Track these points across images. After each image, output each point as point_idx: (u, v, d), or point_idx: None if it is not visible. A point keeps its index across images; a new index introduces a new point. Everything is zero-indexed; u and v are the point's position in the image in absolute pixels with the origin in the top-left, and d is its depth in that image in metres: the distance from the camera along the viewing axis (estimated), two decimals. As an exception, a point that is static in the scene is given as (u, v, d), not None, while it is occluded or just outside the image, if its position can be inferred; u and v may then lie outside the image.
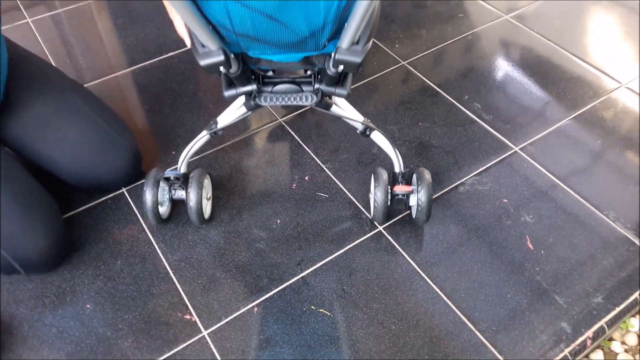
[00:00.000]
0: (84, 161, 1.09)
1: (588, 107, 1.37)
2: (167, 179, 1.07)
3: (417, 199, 1.03)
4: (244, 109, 1.03)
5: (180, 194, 1.07)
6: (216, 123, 1.07)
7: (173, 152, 1.27)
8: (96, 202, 1.17)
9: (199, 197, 1.03)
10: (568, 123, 1.33)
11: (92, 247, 1.09)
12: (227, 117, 1.06)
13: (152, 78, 1.46)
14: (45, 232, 1.00)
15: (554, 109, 1.36)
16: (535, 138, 1.29)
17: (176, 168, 1.10)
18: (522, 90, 1.41)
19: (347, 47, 0.79)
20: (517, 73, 1.46)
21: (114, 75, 1.47)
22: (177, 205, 1.15)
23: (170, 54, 1.52)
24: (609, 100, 1.38)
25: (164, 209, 1.09)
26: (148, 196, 1.03)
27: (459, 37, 1.58)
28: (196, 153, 1.23)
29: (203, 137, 1.08)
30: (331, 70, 0.86)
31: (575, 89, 1.41)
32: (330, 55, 0.85)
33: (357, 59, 0.80)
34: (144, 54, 1.53)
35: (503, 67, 1.48)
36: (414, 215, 1.08)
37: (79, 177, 1.11)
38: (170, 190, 1.07)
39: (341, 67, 0.83)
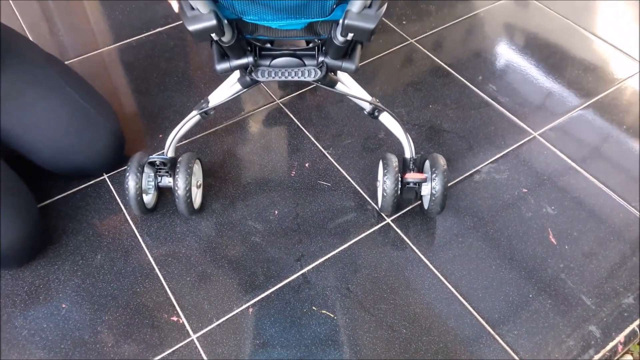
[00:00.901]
0: (59, 142, 0.98)
1: (611, 89, 1.26)
2: (152, 164, 0.97)
3: (431, 187, 0.93)
4: (238, 86, 0.92)
5: (167, 180, 0.96)
6: (207, 102, 0.96)
7: (160, 136, 1.16)
8: (75, 189, 1.07)
9: (188, 185, 0.93)
10: (590, 107, 1.23)
11: (70, 240, 0.99)
12: (220, 94, 0.95)
13: (139, 55, 1.35)
14: (17, 223, 0.90)
15: (575, 92, 1.26)
16: (555, 123, 1.19)
17: (163, 152, 0.99)
18: (539, 71, 1.31)
19: (359, 10, 0.69)
20: (534, 53, 1.36)
21: (97, 52, 1.36)
22: (164, 194, 1.05)
23: (158, 30, 1.42)
24: (633, 83, 1.28)
25: (148, 198, 0.99)
26: (131, 183, 0.92)
27: (471, 14, 1.47)
28: (185, 136, 1.12)
29: (193, 117, 0.97)
30: (338, 40, 0.76)
31: (596, 71, 1.31)
32: (338, 23, 0.75)
33: (370, 25, 0.70)
34: (130, 30, 1.42)
35: (519, 47, 1.38)
36: (426, 206, 0.97)
37: (54, 160, 1.00)
38: (155, 177, 0.97)
39: (351, 35, 0.72)
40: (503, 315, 0.90)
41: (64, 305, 0.91)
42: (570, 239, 0.99)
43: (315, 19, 0.75)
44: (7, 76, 0.95)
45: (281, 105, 1.24)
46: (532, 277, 0.94)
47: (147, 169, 0.96)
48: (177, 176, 0.92)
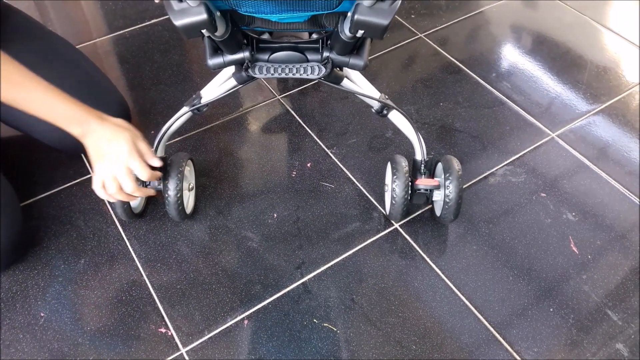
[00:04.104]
0: None
1: (633, 88, 1.19)
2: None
3: (444, 194, 0.85)
4: (233, 82, 0.84)
5: (155, 184, 0.88)
6: (200, 97, 0.89)
7: (152, 132, 1.09)
8: (60, 187, 1.00)
9: (179, 188, 0.85)
10: (613, 106, 1.15)
11: (52, 242, 0.92)
12: (213, 90, 0.88)
13: (132, 47, 1.28)
14: (1, 225, 0.82)
15: (596, 90, 1.18)
16: (575, 123, 1.12)
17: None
18: (556, 69, 1.23)
19: (371, 4, 0.61)
20: (550, 49, 1.28)
21: (89, 42, 1.30)
22: (154, 196, 0.97)
23: (153, 21, 1.35)
24: (657, 82, 1.21)
25: (136, 202, 0.92)
26: (116, 184, 0.85)
27: (483, 9, 1.39)
28: (178, 132, 1.05)
29: (184, 114, 0.89)
30: (346, 35, 0.69)
31: (616, 69, 1.23)
32: (345, 15, 0.67)
33: (384, 21, 0.62)
34: (123, 20, 1.35)
35: (534, 43, 1.30)
36: (438, 213, 0.90)
37: (56, 132, 0.92)
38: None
39: (361, 32, 0.65)
40: (522, 331, 0.82)
41: (42, 314, 0.84)
42: (593, 248, 0.92)
43: (319, 12, 0.67)
44: (13, 47, 0.87)
45: (282, 101, 1.16)
46: (553, 289, 0.87)
47: (134, 169, 0.88)
48: (167, 179, 0.85)
